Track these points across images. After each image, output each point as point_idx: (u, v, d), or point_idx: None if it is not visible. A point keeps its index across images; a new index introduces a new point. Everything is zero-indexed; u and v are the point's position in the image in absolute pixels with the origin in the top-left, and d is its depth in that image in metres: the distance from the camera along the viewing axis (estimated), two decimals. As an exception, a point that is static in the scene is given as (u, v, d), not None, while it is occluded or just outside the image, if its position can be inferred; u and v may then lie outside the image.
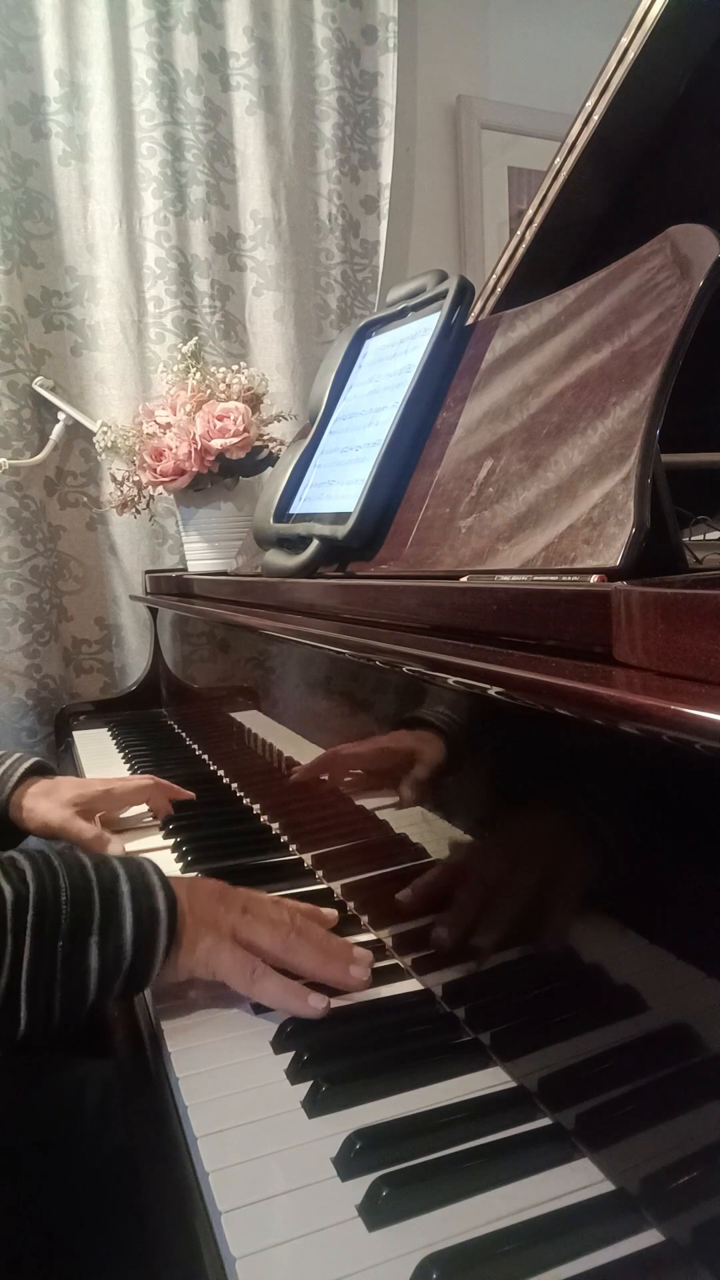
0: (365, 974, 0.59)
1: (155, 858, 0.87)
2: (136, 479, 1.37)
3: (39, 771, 0.93)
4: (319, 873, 0.80)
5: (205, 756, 1.25)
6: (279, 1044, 0.55)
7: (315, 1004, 0.55)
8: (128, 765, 1.26)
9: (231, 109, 1.74)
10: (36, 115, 1.60)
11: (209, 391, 1.30)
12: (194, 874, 0.81)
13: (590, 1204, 0.40)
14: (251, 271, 1.79)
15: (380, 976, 0.61)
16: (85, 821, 0.87)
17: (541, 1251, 0.38)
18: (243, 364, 1.40)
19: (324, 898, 0.76)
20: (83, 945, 0.52)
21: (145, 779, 0.99)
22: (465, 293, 0.81)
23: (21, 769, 0.91)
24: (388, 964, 0.63)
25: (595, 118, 0.82)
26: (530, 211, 0.91)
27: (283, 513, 0.91)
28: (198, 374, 1.31)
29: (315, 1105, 0.48)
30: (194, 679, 1.41)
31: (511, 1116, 0.46)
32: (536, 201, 0.90)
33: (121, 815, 0.97)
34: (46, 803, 0.88)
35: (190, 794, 1.01)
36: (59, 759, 1.47)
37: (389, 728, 0.67)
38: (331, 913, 0.67)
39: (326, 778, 0.80)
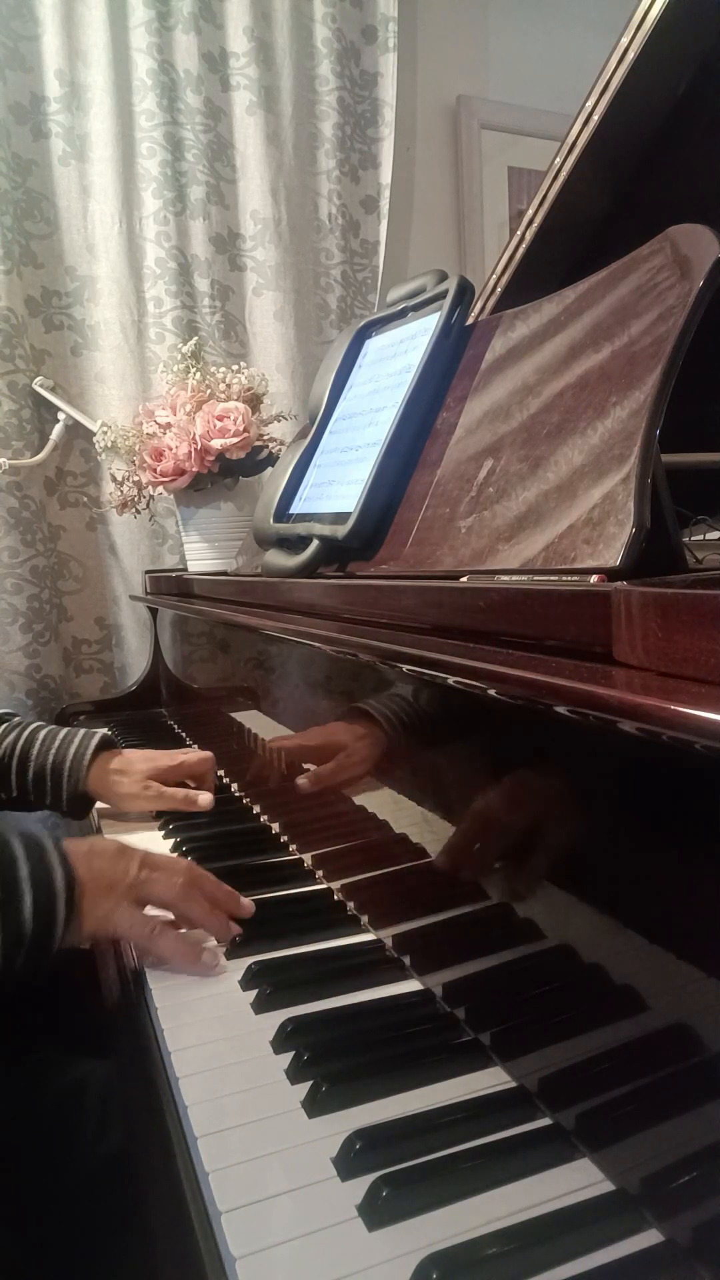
0: (215, 962, 0.64)
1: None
2: (136, 479, 1.37)
3: (107, 746, 0.99)
4: (319, 873, 0.80)
5: (205, 756, 1.25)
6: (279, 1044, 0.55)
7: (208, 961, 0.61)
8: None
9: (231, 109, 1.74)
10: (36, 115, 1.60)
11: (209, 391, 1.30)
12: (190, 851, 0.85)
13: (590, 1204, 0.40)
14: (251, 271, 1.79)
15: (380, 976, 0.62)
16: (171, 789, 0.95)
17: (541, 1251, 0.38)
18: (243, 364, 1.40)
19: (324, 898, 0.76)
20: None
21: (205, 754, 1.03)
22: (465, 293, 0.81)
23: (92, 746, 0.97)
24: (387, 963, 0.63)
25: (595, 118, 0.82)
26: (530, 211, 0.91)
27: (283, 513, 0.91)
28: (198, 374, 1.31)
29: (315, 1105, 0.48)
30: (194, 679, 1.41)
31: (511, 1116, 0.46)
32: (536, 201, 0.90)
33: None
34: (124, 784, 0.95)
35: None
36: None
37: (386, 729, 0.67)
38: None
39: (324, 776, 0.80)
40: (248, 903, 0.69)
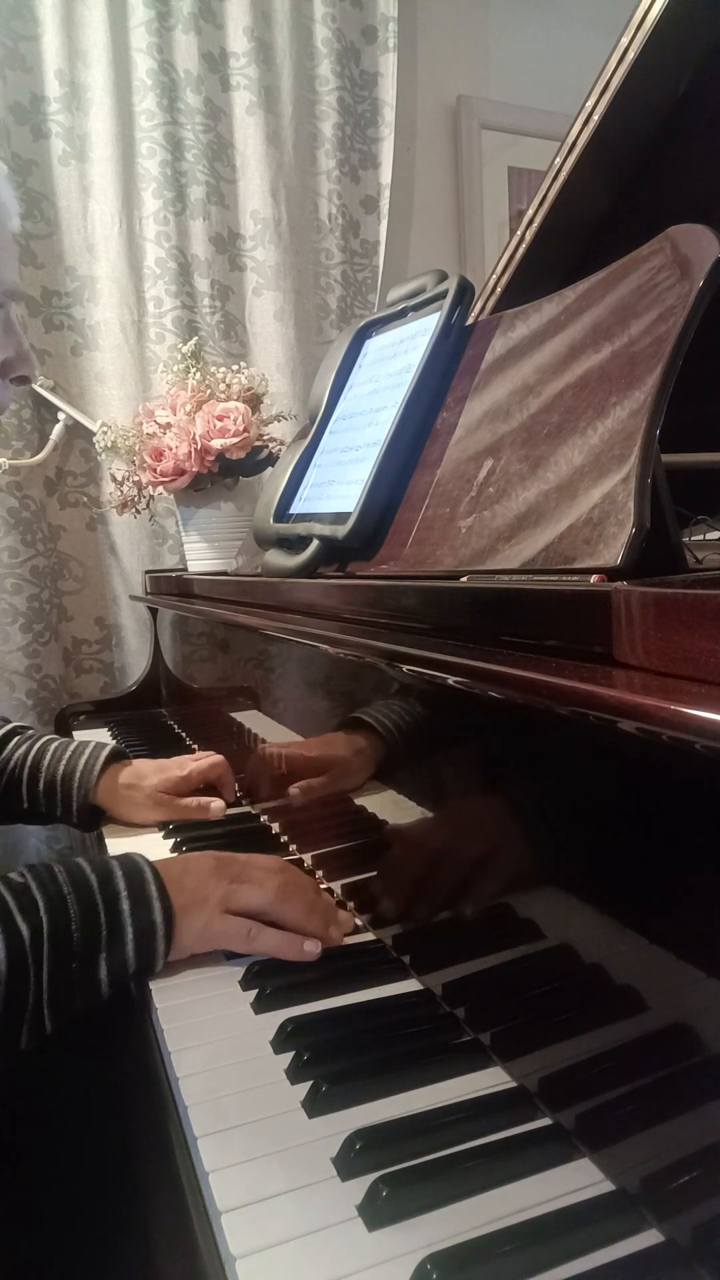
0: (340, 935, 0.66)
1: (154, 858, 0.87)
2: (136, 479, 1.37)
3: (117, 758, 0.99)
4: (319, 872, 0.80)
5: (205, 756, 1.25)
6: (279, 1044, 0.55)
7: (310, 949, 0.63)
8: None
9: (231, 109, 1.74)
10: (36, 115, 1.60)
11: (209, 391, 1.30)
12: (190, 851, 0.85)
13: (590, 1204, 0.40)
14: (251, 271, 1.79)
15: (380, 976, 0.61)
16: (183, 801, 0.96)
17: (541, 1251, 0.38)
18: (243, 364, 1.40)
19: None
20: (92, 962, 0.58)
21: (216, 757, 1.03)
22: (465, 293, 0.81)
23: (102, 758, 0.97)
24: (387, 963, 0.63)
25: (595, 118, 0.82)
26: (530, 211, 0.91)
27: (283, 513, 0.91)
28: (198, 374, 1.31)
29: (315, 1105, 0.48)
30: (194, 679, 1.41)
31: (511, 1116, 0.46)
32: (536, 201, 0.90)
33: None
34: (135, 798, 0.95)
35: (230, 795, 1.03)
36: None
37: (386, 729, 0.67)
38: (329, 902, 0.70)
39: (324, 778, 0.80)
40: (345, 916, 0.69)
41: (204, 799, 0.97)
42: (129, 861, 0.63)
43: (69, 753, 0.98)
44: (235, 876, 0.65)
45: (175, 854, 0.88)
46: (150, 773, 0.98)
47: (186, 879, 0.64)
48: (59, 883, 0.59)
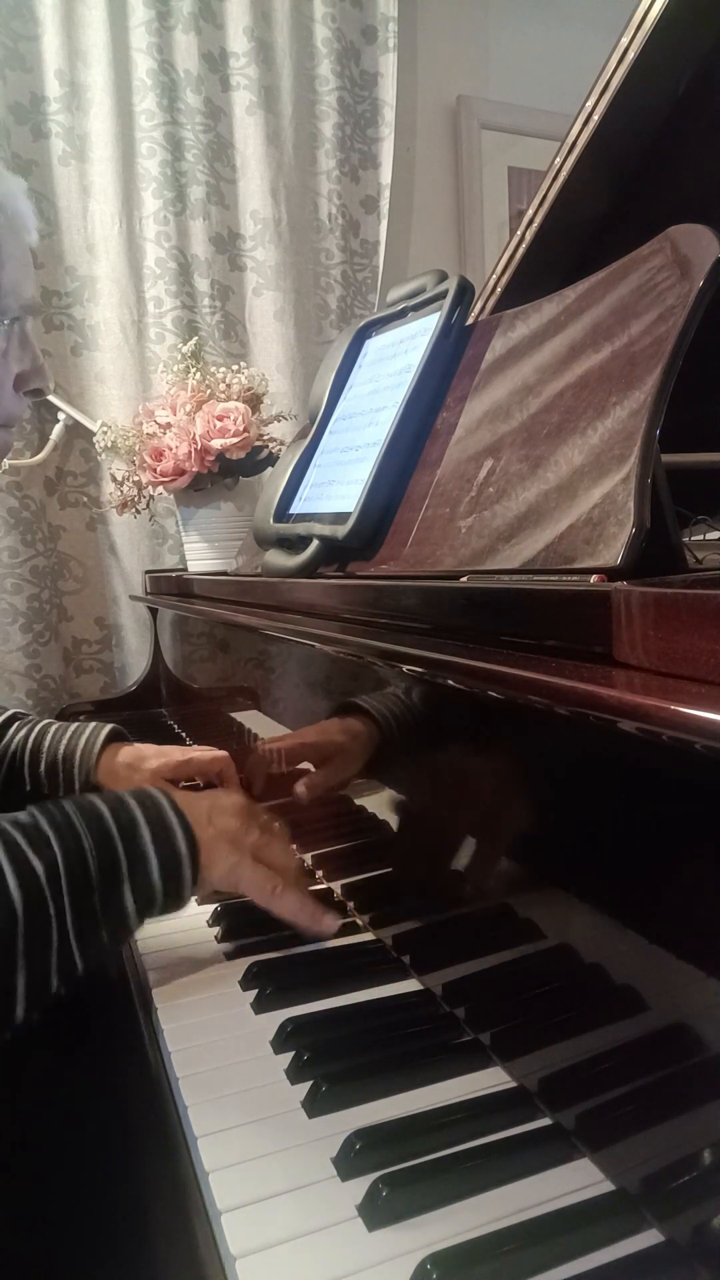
0: (335, 925, 0.67)
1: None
2: (136, 479, 1.37)
3: (117, 737, 0.99)
4: (319, 873, 0.80)
5: (205, 756, 1.25)
6: (279, 1044, 0.55)
7: (330, 923, 0.64)
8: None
9: (231, 109, 1.74)
10: (36, 115, 1.60)
11: (209, 391, 1.30)
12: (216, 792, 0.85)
13: (590, 1204, 0.40)
14: (251, 271, 1.79)
15: (380, 976, 0.61)
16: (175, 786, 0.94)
17: (541, 1251, 0.38)
18: (243, 364, 1.40)
19: (324, 898, 0.76)
20: (116, 891, 0.57)
21: (220, 753, 1.02)
22: (465, 293, 0.81)
23: (101, 737, 0.97)
24: (387, 963, 0.63)
25: (595, 118, 0.82)
26: (530, 211, 0.91)
27: (283, 513, 0.91)
28: (198, 374, 1.31)
29: (315, 1105, 0.48)
30: (194, 679, 1.41)
31: (511, 1116, 0.46)
32: (536, 201, 0.90)
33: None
34: (135, 779, 0.94)
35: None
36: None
37: (386, 729, 0.67)
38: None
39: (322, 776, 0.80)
40: (332, 920, 0.69)
41: (216, 791, 0.97)
42: (143, 792, 0.63)
43: (69, 734, 0.98)
44: (264, 827, 0.66)
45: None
46: (151, 755, 0.98)
47: (216, 816, 0.64)
48: (70, 816, 0.58)
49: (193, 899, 0.63)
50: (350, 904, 0.73)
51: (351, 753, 0.72)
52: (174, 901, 0.60)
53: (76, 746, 0.96)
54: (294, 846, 0.80)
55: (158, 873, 0.59)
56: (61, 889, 0.55)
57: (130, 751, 0.98)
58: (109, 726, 0.99)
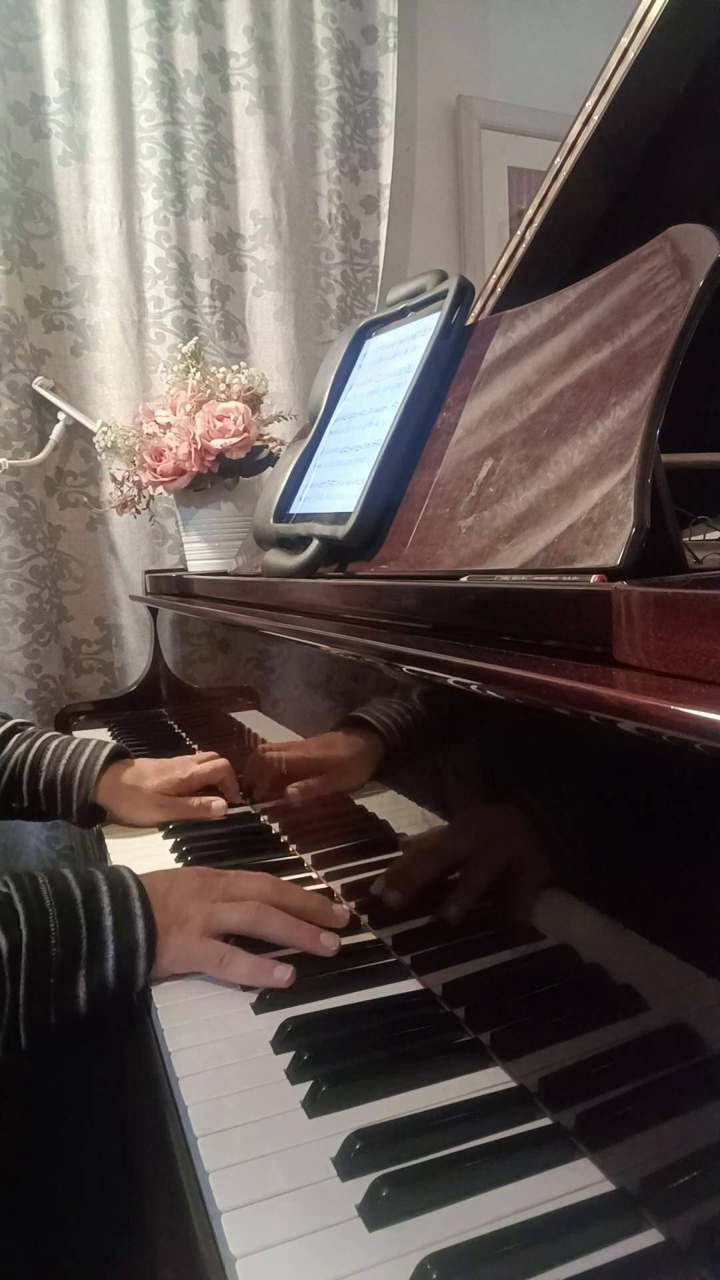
0: (335, 942, 0.64)
1: (155, 857, 0.88)
2: (136, 479, 1.37)
3: (119, 756, 0.99)
4: (319, 873, 0.80)
5: (205, 756, 1.25)
6: (279, 1044, 0.55)
7: (280, 976, 0.61)
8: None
9: (231, 109, 1.74)
10: (36, 115, 1.60)
11: (209, 391, 1.30)
12: (190, 850, 0.86)
13: (590, 1204, 0.40)
14: (251, 271, 1.79)
15: (380, 976, 0.61)
16: (184, 802, 0.96)
17: (541, 1251, 0.38)
18: (243, 364, 1.40)
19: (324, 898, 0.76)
20: (71, 979, 0.58)
21: (220, 761, 1.03)
22: (465, 293, 0.81)
23: (103, 757, 0.97)
24: (387, 963, 0.63)
25: (595, 118, 0.82)
26: (530, 211, 0.91)
27: (283, 513, 0.91)
28: (198, 374, 1.31)
29: (315, 1105, 0.48)
30: (194, 679, 1.41)
31: (511, 1116, 0.46)
32: (536, 201, 0.90)
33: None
34: (137, 798, 0.96)
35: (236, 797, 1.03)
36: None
37: (386, 729, 0.67)
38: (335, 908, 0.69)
39: (323, 777, 0.80)
40: (340, 910, 0.68)
41: (205, 798, 0.97)
42: (115, 875, 0.63)
43: (70, 751, 0.98)
44: (219, 896, 0.65)
45: (175, 852, 0.88)
46: (152, 773, 0.98)
47: (170, 898, 0.64)
48: (42, 895, 0.59)
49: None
50: (350, 904, 0.73)
51: (353, 769, 0.72)
52: (125, 991, 0.60)
53: (77, 766, 0.97)
54: (294, 846, 0.82)
55: (112, 963, 0.59)
56: (20, 969, 0.55)
57: (132, 772, 0.98)
58: (110, 745, 0.99)
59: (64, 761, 0.97)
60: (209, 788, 1.01)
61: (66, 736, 1.01)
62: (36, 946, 0.56)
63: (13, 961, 0.55)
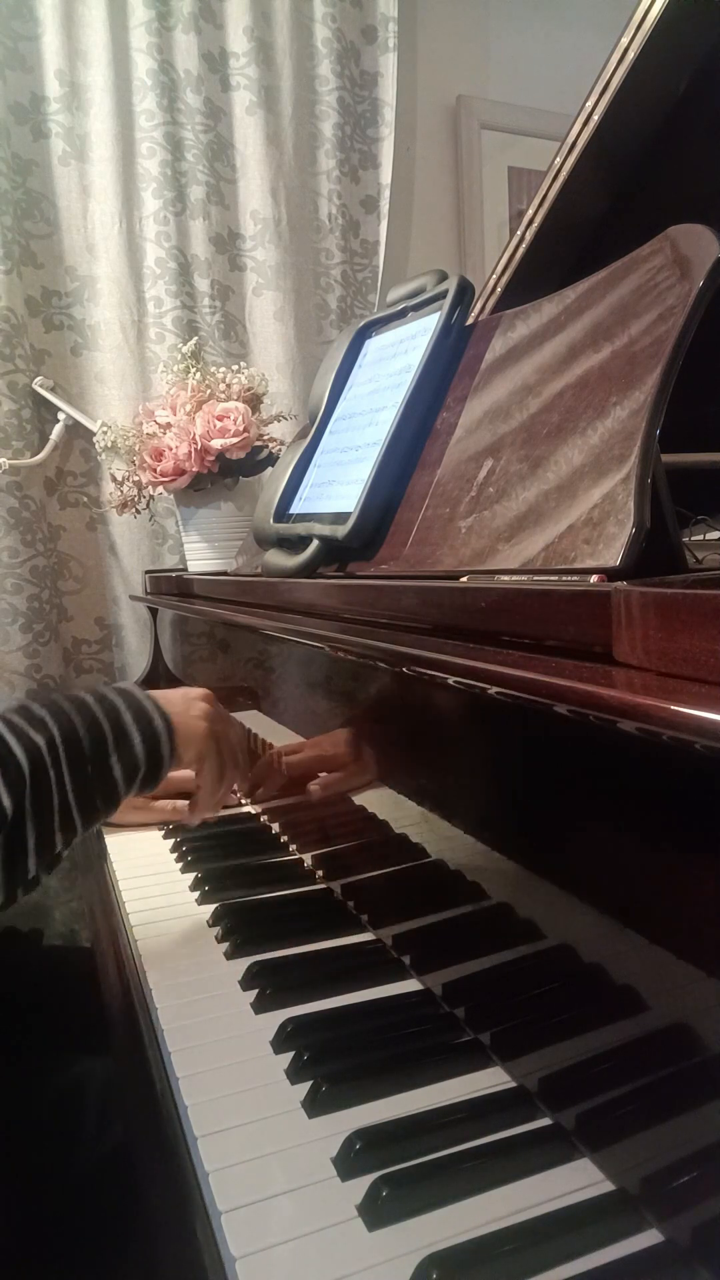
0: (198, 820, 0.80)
1: (155, 857, 0.88)
2: (136, 479, 1.37)
3: None
4: (319, 873, 0.80)
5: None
6: (279, 1044, 0.55)
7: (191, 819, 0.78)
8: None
9: (231, 109, 1.74)
10: (36, 115, 1.60)
11: (209, 391, 1.30)
12: (188, 846, 0.91)
13: (590, 1204, 0.40)
14: (251, 271, 1.79)
15: (380, 976, 0.62)
16: (153, 803, 1.01)
17: (541, 1251, 0.38)
18: (243, 364, 1.40)
19: (324, 898, 0.76)
20: (105, 763, 0.65)
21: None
22: (465, 293, 0.81)
23: None
24: (387, 963, 0.63)
25: (595, 118, 0.82)
26: (530, 211, 0.91)
27: (283, 513, 0.91)
28: (198, 374, 1.31)
29: (315, 1105, 0.48)
30: (194, 679, 1.41)
31: (511, 1116, 0.46)
32: (536, 201, 0.90)
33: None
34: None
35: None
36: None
37: (387, 728, 0.67)
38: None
39: (324, 775, 0.80)
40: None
41: (179, 803, 1.00)
42: (120, 686, 0.71)
43: None
44: (227, 719, 0.76)
45: (174, 852, 0.89)
46: None
47: (189, 703, 0.73)
48: (58, 703, 0.66)
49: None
50: (350, 904, 0.73)
51: (352, 768, 0.72)
52: (155, 772, 0.68)
53: None
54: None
55: (140, 746, 0.66)
56: (60, 758, 0.62)
57: None
58: None
59: None
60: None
61: None
62: (67, 739, 0.63)
63: (51, 753, 0.62)
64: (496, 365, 0.71)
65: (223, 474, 1.33)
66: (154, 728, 0.68)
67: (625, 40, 0.78)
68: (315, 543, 0.81)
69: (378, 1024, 0.56)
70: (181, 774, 1.00)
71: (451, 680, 0.49)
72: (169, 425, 1.30)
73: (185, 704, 0.72)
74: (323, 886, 0.78)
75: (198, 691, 0.76)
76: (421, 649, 0.52)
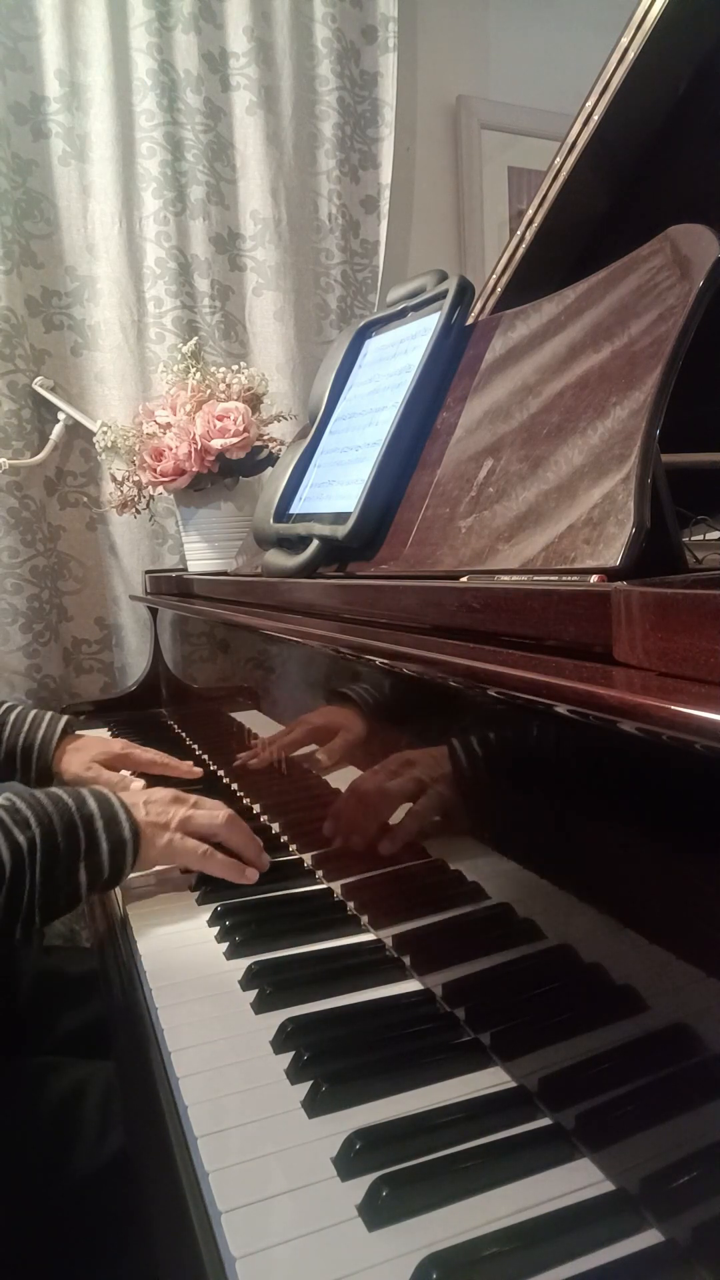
0: (267, 861, 0.80)
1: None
2: (136, 479, 1.37)
3: (71, 730, 1.14)
4: (319, 873, 0.80)
5: (205, 756, 1.25)
6: (279, 1044, 0.55)
7: (251, 875, 0.78)
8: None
9: (231, 109, 1.74)
10: (36, 115, 1.60)
11: (209, 391, 1.30)
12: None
13: (590, 1204, 0.40)
14: (251, 271, 1.79)
15: (380, 976, 0.62)
16: (110, 771, 1.08)
17: (541, 1251, 0.38)
18: (243, 364, 1.40)
19: (324, 898, 0.76)
20: (73, 868, 0.70)
21: (156, 753, 1.12)
22: (465, 293, 0.81)
23: (59, 729, 1.12)
24: (387, 964, 0.63)
25: (595, 118, 0.82)
26: (530, 211, 0.91)
27: (283, 513, 0.91)
28: (198, 374, 1.31)
29: (315, 1105, 0.48)
30: (194, 679, 1.41)
31: (511, 1116, 0.46)
32: (536, 201, 0.90)
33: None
34: (78, 758, 1.09)
35: (197, 771, 1.11)
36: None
37: (387, 727, 0.67)
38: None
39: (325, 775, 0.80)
40: (266, 859, 0.81)
41: (126, 775, 1.06)
42: (97, 791, 0.76)
43: (27, 726, 1.11)
44: (192, 804, 0.79)
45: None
46: (94, 745, 1.11)
47: (150, 806, 0.77)
48: (43, 805, 0.71)
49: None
50: (350, 904, 0.73)
51: (352, 735, 0.73)
52: (115, 877, 0.73)
53: (35, 741, 1.11)
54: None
55: (107, 855, 0.72)
56: (37, 861, 0.68)
57: (79, 742, 1.13)
58: (64, 720, 1.14)
59: (23, 735, 1.11)
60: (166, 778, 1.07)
61: (24, 710, 1.13)
62: (46, 843, 0.68)
63: (30, 855, 0.67)
64: (496, 365, 0.71)
65: (223, 474, 1.33)
66: (122, 836, 0.73)
67: (625, 40, 0.78)
68: (315, 543, 0.81)
69: (378, 1024, 0.56)
70: (134, 756, 1.09)
71: (451, 680, 0.49)
72: (169, 425, 1.30)
73: (145, 805, 0.77)
74: (323, 886, 0.78)
75: (158, 794, 0.80)
76: (421, 649, 0.52)
